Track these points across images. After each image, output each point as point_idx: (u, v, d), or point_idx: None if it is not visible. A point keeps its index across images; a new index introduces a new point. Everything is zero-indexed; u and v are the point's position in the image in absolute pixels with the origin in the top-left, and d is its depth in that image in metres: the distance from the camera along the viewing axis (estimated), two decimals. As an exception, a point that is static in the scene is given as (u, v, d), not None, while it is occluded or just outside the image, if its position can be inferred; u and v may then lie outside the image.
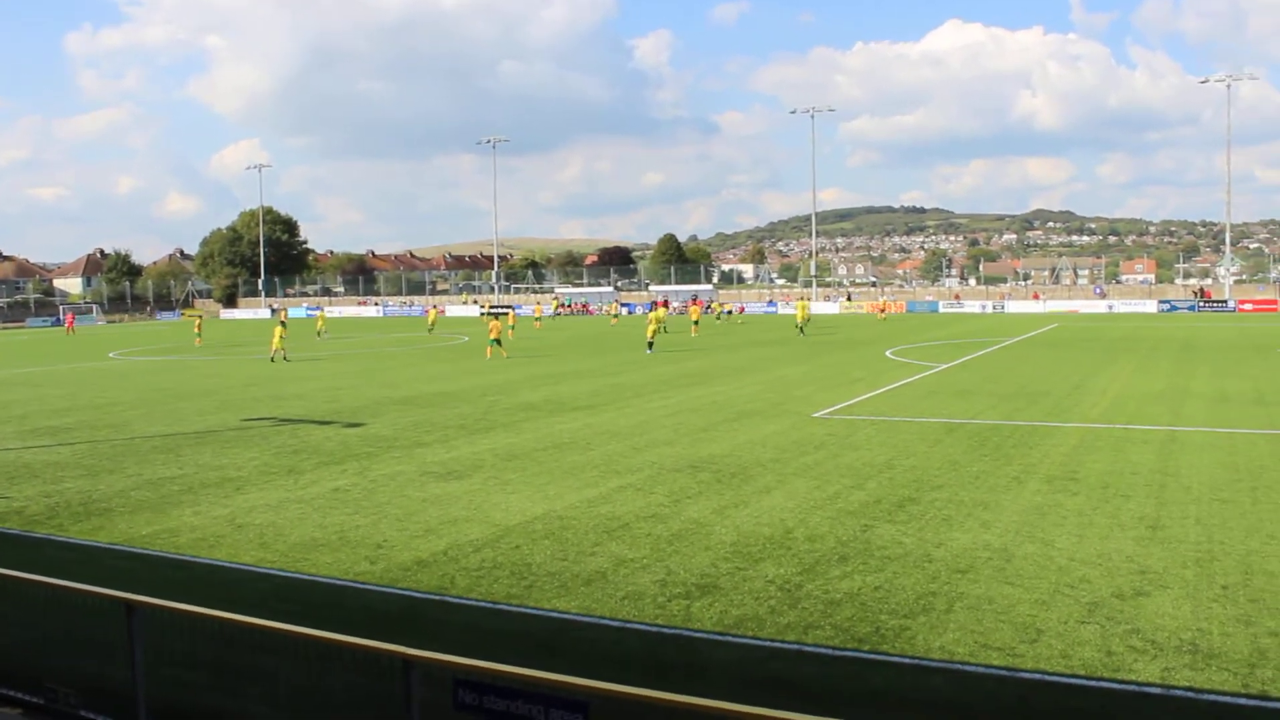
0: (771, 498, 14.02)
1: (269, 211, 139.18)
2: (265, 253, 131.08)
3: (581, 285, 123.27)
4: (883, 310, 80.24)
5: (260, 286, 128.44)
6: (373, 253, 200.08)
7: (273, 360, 41.46)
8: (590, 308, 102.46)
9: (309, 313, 76.23)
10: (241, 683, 7.77)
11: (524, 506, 13.80)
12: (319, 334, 62.58)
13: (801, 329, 55.83)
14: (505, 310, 75.50)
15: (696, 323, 59.08)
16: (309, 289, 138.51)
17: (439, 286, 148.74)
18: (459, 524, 12.90)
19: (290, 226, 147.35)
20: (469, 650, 6.22)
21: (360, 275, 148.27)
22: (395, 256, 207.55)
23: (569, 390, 28.09)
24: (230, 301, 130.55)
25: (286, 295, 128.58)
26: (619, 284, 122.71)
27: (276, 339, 42.32)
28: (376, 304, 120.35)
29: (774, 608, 9.39)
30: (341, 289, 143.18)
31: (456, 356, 43.77)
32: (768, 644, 8.54)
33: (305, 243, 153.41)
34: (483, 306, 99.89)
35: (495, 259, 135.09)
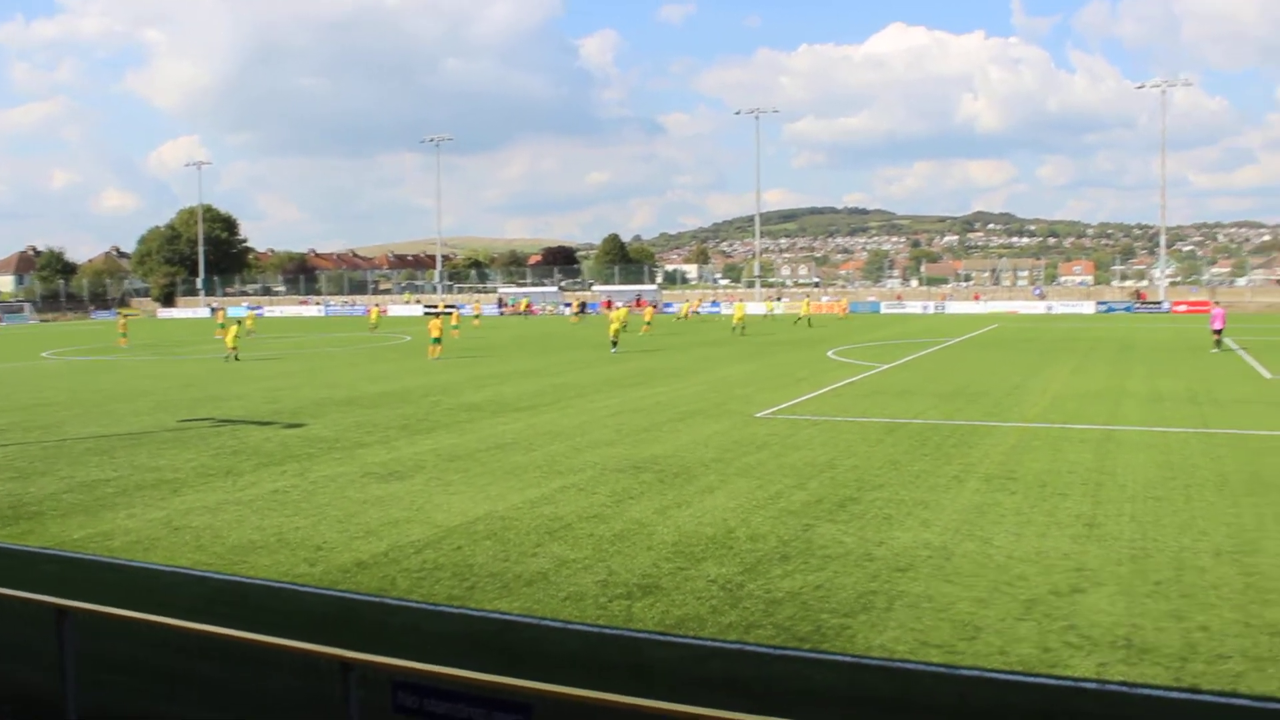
0: (714, 498, 14.05)
1: (208, 209, 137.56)
2: (204, 251, 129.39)
3: (525, 285, 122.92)
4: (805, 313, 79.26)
5: (199, 285, 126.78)
6: (314, 251, 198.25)
7: (226, 360, 41.11)
8: (534, 307, 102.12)
9: (249, 311, 74.65)
10: (177, 688, 7.64)
11: (466, 507, 13.71)
12: (248, 333, 61.25)
13: (739, 330, 56.06)
14: (449, 310, 75.18)
15: (649, 323, 58.99)
16: (249, 288, 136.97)
17: (381, 286, 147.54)
18: (400, 525, 12.79)
19: (230, 224, 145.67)
20: (410, 652, 6.16)
21: (301, 274, 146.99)
22: (337, 255, 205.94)
23: (512, 390, 27.98)
24: (168, 301, 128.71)
25: (226, 294, 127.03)
26: (563, 284, 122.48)
27: (231, 337, 42.03)
28: (318, 303, 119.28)
29: (716, 607, 9.40)
30: (282, 288, 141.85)
31: (399, 356, 43.46)
32: (709, 643, 8.54)
33: (245, 241, 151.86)
34: (431, 306, 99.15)
35: (438, 258, 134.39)
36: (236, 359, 41.19)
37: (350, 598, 10.00)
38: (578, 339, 54.56)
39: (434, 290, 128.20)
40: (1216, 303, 47.08)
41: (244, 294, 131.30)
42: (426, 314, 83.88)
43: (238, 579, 10.73)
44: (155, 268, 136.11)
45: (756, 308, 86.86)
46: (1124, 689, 7.47)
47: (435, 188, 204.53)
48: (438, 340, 40.75)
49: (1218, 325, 39.99)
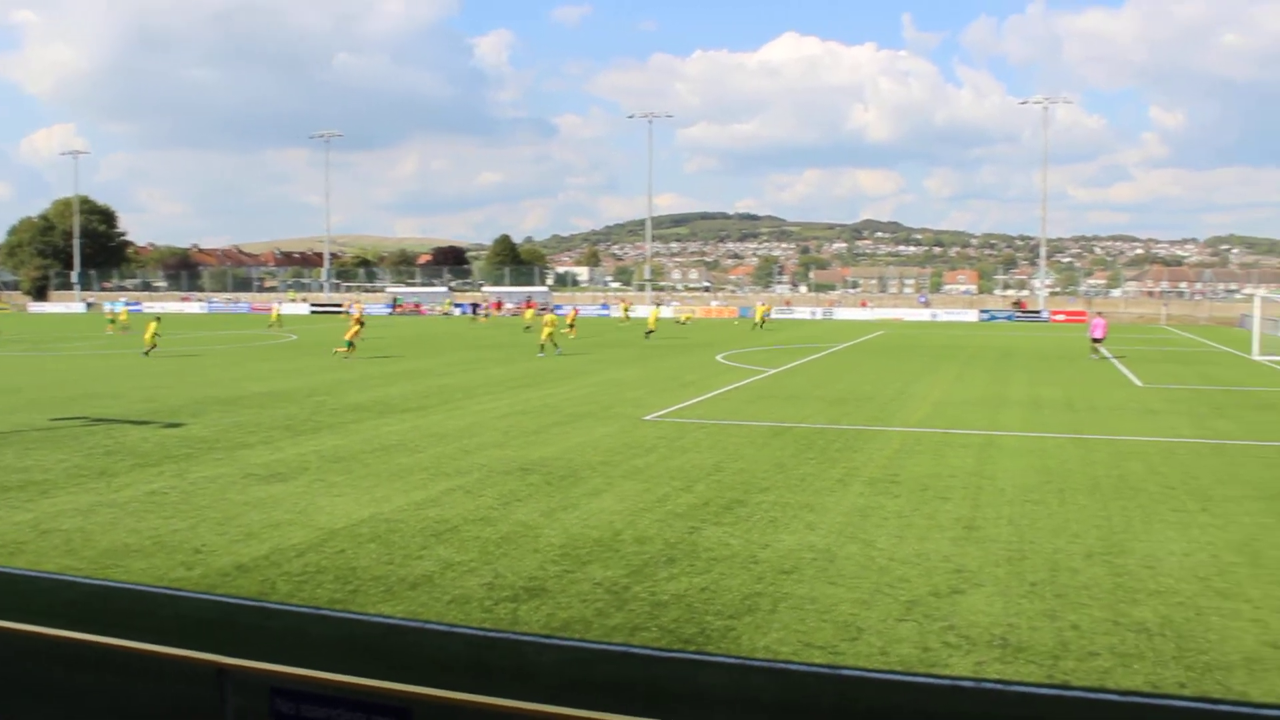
0: (601, 500, 14.03)
1: (85, 200, 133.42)
2: (80, 244, 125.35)
3: (415, 284, 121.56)
4: (685, 319, 79.37)
5: (74, 280, 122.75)
6: (197, 247, 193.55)
7: (146, 354, 40.44)
8: (422, 308, 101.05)
9: (123, 306, 72.10)
10: (42, 699, 7.35)
11: (350, 509, 13.47)
12: (122, 329, 59.26)
13: (649, 334, 56.21)
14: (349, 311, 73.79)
15: (572, 325, 57.29)
16: (128, 283, 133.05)
17: (267, 283, 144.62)
18: (282, 528, 12.51)
19: (108, 217, 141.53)
20: (289, 657, 6.00)
21: (184, 270, 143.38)
22: (221, 251, 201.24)
23: (399, 391, 27.62)
24: (40, 294, 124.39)
25: (104, 289, 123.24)
26: (453, 284, 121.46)
27: (149, 334, 41.17)
28: (201, 300, 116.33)
29: (601, 610, 9.38)
30: (164, 284, 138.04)
31: (284, 355, 42.62)
32: (594, 646, 8.47)
33: (124, 235, 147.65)
34: (345, 305, 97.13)
35: (326, 256, 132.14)
36: (146, 354, 40.33)
37: (228, 602, 9.70)
38: (472, 339, 54.13)
39: (321, 289, 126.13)
40: (1098, 313, 49.00)
41: (122, 289, 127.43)
42: (345, 314, 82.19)
43: (110, 584, 10.34)
44: (26, 260, 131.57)
45: (643, 311, 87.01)
46: (999, 687, 7.60)
47: (324, 184, 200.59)
48: (350, 344, 40.34)
49: (1097, 334, 41.43)
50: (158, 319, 44.72)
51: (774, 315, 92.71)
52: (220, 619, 9.73)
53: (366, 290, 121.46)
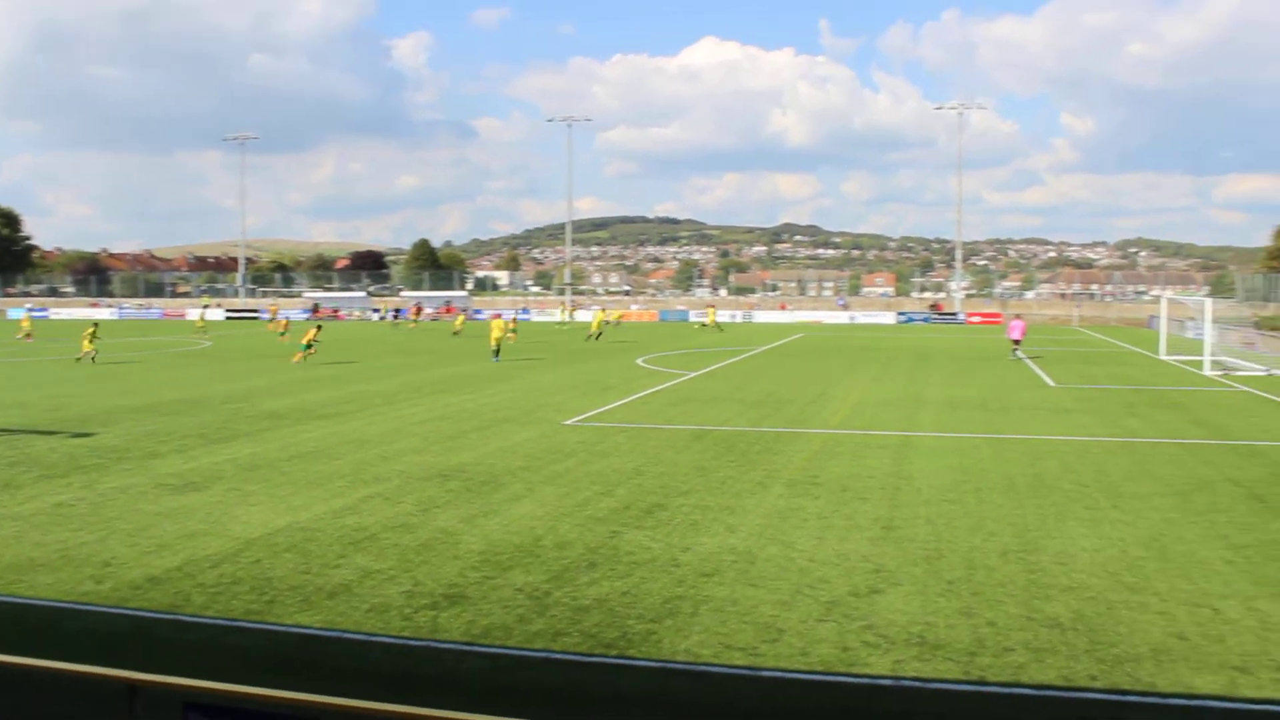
0: (521, 506, 13.96)
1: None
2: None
3: (332, 289, 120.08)
4: (618, 320, 78.86)
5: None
6: (107, 251, 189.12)
7: (78, 360, 39.78)
8: (340, 313, 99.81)
9: (25, 313, 69.55)
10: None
11: (266, 518, 13.24)
12: (25, 336, 57.42)
13: (594, 337, 56.09)
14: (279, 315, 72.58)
15: (514, 330, 56.43)
16: (34, 288, 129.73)
17: (180, 289, 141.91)
18: (196, 538, 12.25)
19: (11, 220, 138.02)
20: (205, 671, 5.88)
21: (93, 275, 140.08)
22: (133, 256, 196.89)
23: (316, 398, 27.22)
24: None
25: (8, 294, 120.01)
26: (371, 288, 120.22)
27: (87, 342, 40.21)
28: (111, 305, 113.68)
29: (522, 616, 9.33)
30: (71, 289, 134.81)
31: (199, 362, 41.83)
32: (515, 652, 8.39)
33: (30, 239, 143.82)
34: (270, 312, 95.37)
35: (241, 261, 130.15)
36: (92, 360, 39.52)
37: (140, 615, 9.42)
38: (394, 345, 53.59)
39: (236, 294, 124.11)
40: (1017, 315, 50.52)
41: (27, 294, 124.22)
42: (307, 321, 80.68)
43: (13, 599, 10.01)
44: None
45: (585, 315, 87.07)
46: (917, 684, 7.72)
47: (239, 188, 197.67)
48: (308, 346, 39.94)
49: (1016, 335, 42.55)
50: (94, 324, 43.90)
51: (692, 318, 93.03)
52: (131, 633, 9.50)
53: (283, 295, 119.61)
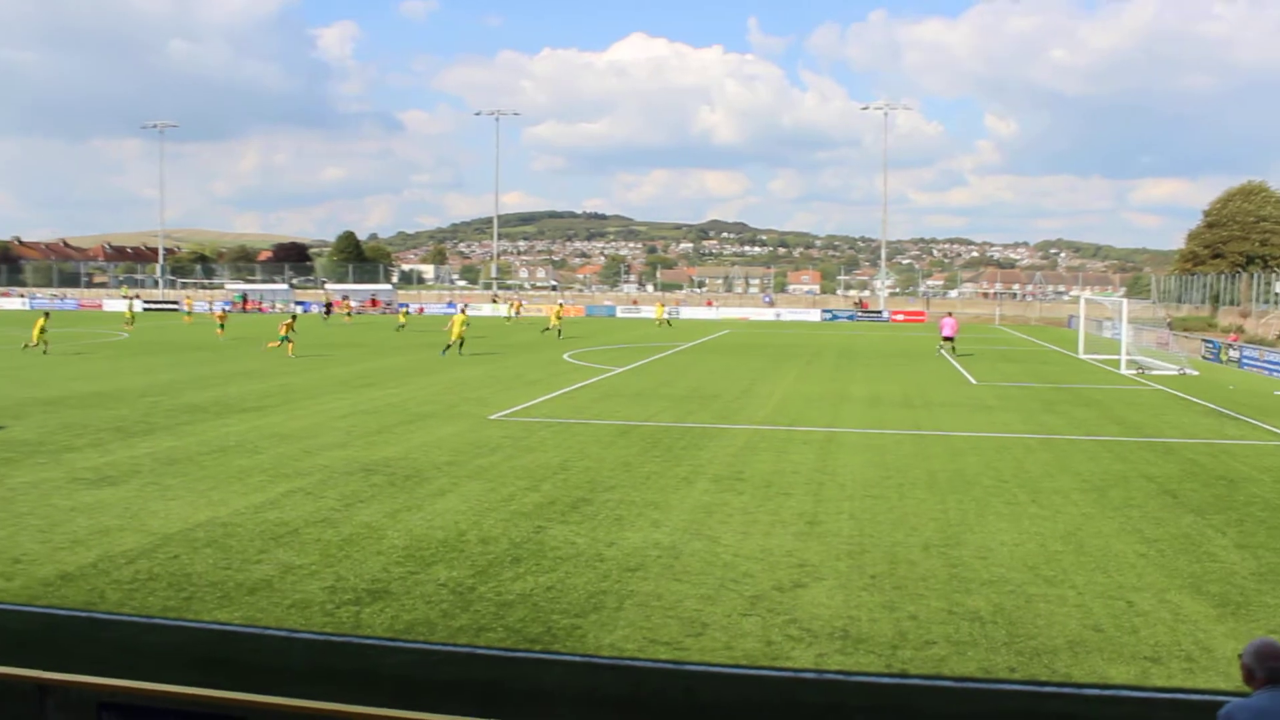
0: (445, 500, 13.86)
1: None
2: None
3: (255, 281, 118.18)
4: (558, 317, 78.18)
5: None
6: (19, 239, 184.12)
7: (25, 348, 39.34)
8: (264, 305, 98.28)
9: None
10: None
11: (185, 513, 12.99)
12: None
13: (553, 330, 55.74)
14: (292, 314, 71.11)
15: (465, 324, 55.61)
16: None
17: (96, 279, 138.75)
18: (111, 534, 11.99)
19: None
20: (119, 670, 5.75)
21: (4, 264, 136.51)
22: (46, 245, 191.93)
23: (237, 391, 26.78)
24: None
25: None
26: (294, 281, 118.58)
27: (37, 331, 39.43)
28: (23, 295, 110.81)
29: (446, 611, 9.26)
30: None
31: (115, 354, 40.95)
32: (440, 648, 8.40)
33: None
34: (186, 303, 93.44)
35: (160, 251, 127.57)
36: (45, 352, 38.63)
37: (52, 613, 9.28)
38: (322, 338, 52.88)
39: (156, 285, 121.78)
40: (949, 313, 51.86)
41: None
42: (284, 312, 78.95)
43: (-81, 594, 9.79)
44: None
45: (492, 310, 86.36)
46: (841, 677, 7.81)
47: (158, 176, 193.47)
48: (286, 338, 39.54)
49: (947, 333, 43.98)
50: (45, 314, 42.76)
51: (619, 314, 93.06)
52: (43, 632, 9.32)
53: (204, 287, 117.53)
